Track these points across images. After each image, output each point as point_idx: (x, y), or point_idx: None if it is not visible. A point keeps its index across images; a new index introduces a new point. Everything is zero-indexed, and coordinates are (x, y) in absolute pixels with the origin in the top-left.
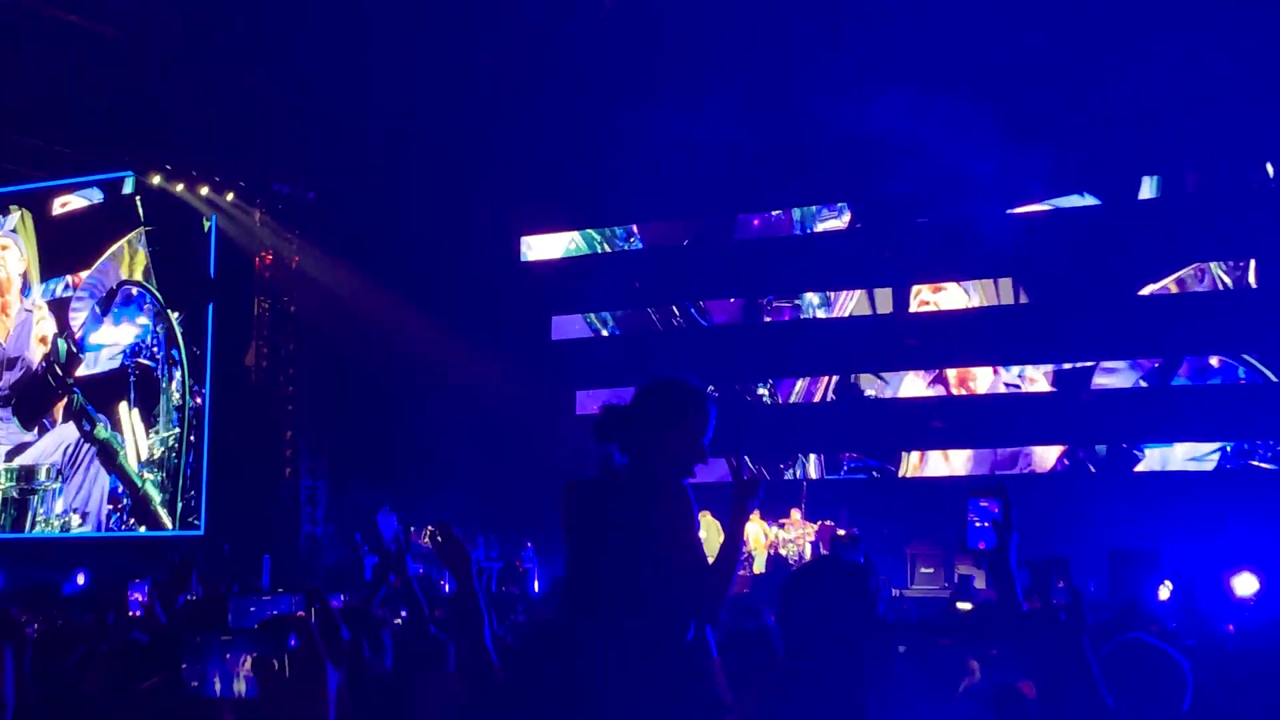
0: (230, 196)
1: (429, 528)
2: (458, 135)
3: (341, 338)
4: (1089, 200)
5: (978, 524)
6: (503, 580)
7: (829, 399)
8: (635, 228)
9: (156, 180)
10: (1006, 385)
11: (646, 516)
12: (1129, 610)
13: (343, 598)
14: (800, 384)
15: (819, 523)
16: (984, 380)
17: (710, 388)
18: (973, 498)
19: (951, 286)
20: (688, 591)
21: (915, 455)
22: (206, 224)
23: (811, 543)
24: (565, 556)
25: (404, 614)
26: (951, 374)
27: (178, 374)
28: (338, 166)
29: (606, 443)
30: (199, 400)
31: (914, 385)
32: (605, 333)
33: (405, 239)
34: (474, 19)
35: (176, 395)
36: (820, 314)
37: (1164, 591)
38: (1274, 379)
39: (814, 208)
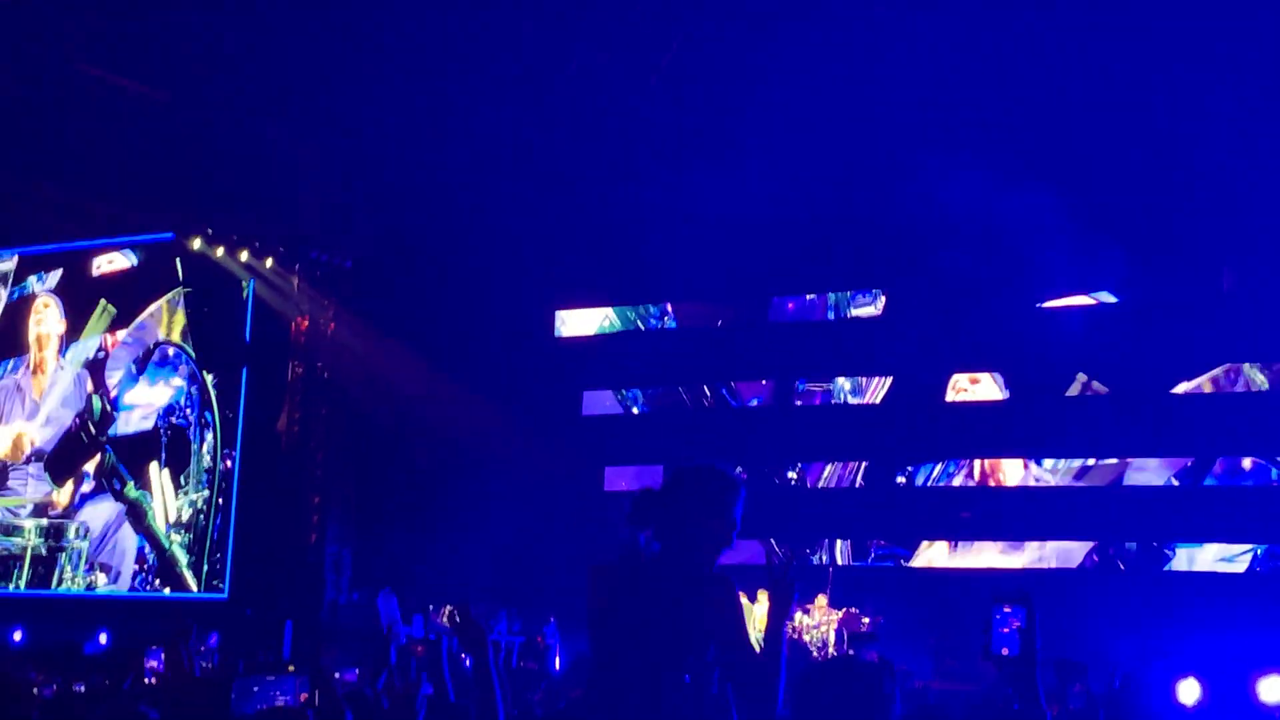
0: (269, 262)
1: (447, 607)
2: (496, 207)
3: (373, 405)
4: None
5: (1001, 630)
6: (523, 655)
7: (858, 484)
8: (669, 306)
9: (197, 244)
10: (1037, 479)
11: (693, 609)
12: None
13: (356, 672)
14: (830, 469)
15: (844, 610)
16: (1014, 473)
17: (739, 469)
18: (996, 604)
19: (985, 378)
20: (749, 690)
21: (944, 545)
22: (245, 288)
23: (835, 630)
24: (592, 642)
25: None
26: (980, 465)
27: (209, 436)
28: (375, 236)
29: (642, 528)
30: (229, 463)
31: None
32: (635, 410)
33: (439, 309)
34: (516, 94)
35: (207, 458)
36: (852, 399)
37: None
38: None
39: (849, 293)
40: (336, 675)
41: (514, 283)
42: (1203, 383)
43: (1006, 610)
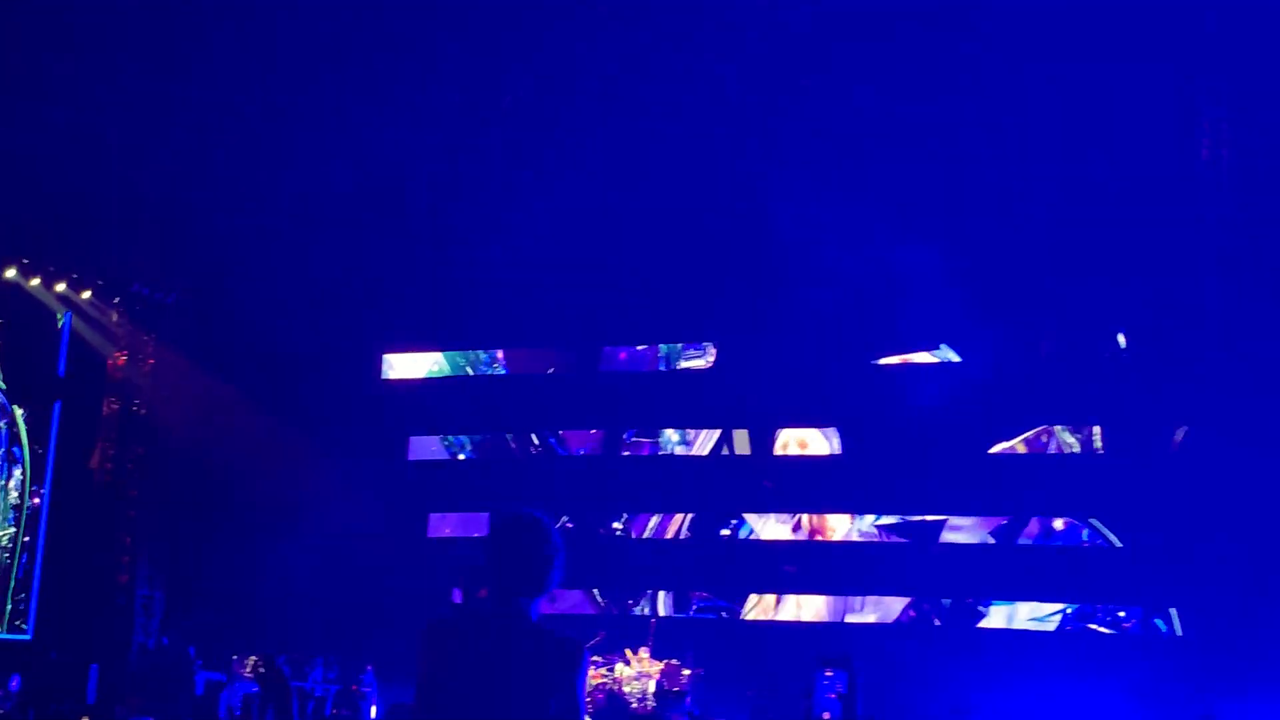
0: (87, 294)
1: (252, 658)
2: (325, 248)
3: (192, 445)
4: (950, 355)
5: (824, 695)
6: (338, 704)
7: (683, 536)
8: (500, 353)
9: (11, 273)
10: (861, 534)
11: (540, 666)
12: None
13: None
14: (654, 520)
15: (665, 662)
16: (840, 527)
17: (565, 519)
18: (819, 669)
19: (814, 433)
20: None
21: (770, 598)
22: (60, 320)
23: (657, 682)
24: (423, 698)
25: None
26: (808, 520)
27: (18, 472)
28: (200, 272)
29: (474, 584)
30: (38, 500)
31: (774, 529)
32: (462, 456)
33: (264, 348)
34: (349, 135)
35: (14, 494)
36: (679, 450)
37: None
38: (1117, 543)
39: (680, 345)
40: None
41: (341, 324)
42: (1016, 444)
43: (829, 675)
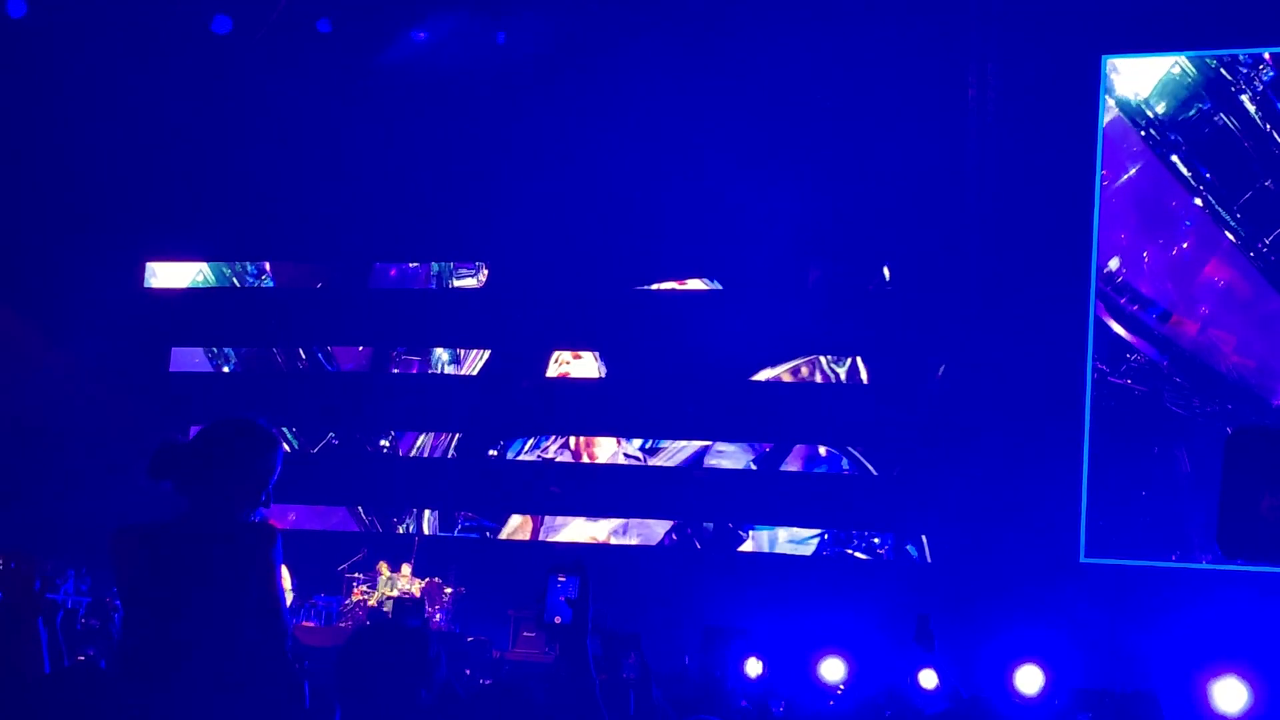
0: None
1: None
2: (84, 144)
3: None
4: (715, 285)
5: (556, 599)
6: (89, 614)
7: (450, 456)
8: (268, 265)
9: None
10: (627, 456)
11: (229, 561)
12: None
13: None
14: (422, 438)
15: (427, 579)
16: (606, 449)
17: (330, 435)
18: (551, 574)
19: (587, 356)
20: (268, 633)
21: (529, 518)
22: None
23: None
24: (125, 606)
25: None
26: (577, 441)
27: None
28: None
29: (160, 480)
30: None
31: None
32: (227, 369)
33: (15, 251)
34: (117, 31)
35: None
36: (450, 370)
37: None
38: (874, 473)
39: (451, 263)
40: None
41: (100, 228)
42: (782, 372)
43: (561, 580)
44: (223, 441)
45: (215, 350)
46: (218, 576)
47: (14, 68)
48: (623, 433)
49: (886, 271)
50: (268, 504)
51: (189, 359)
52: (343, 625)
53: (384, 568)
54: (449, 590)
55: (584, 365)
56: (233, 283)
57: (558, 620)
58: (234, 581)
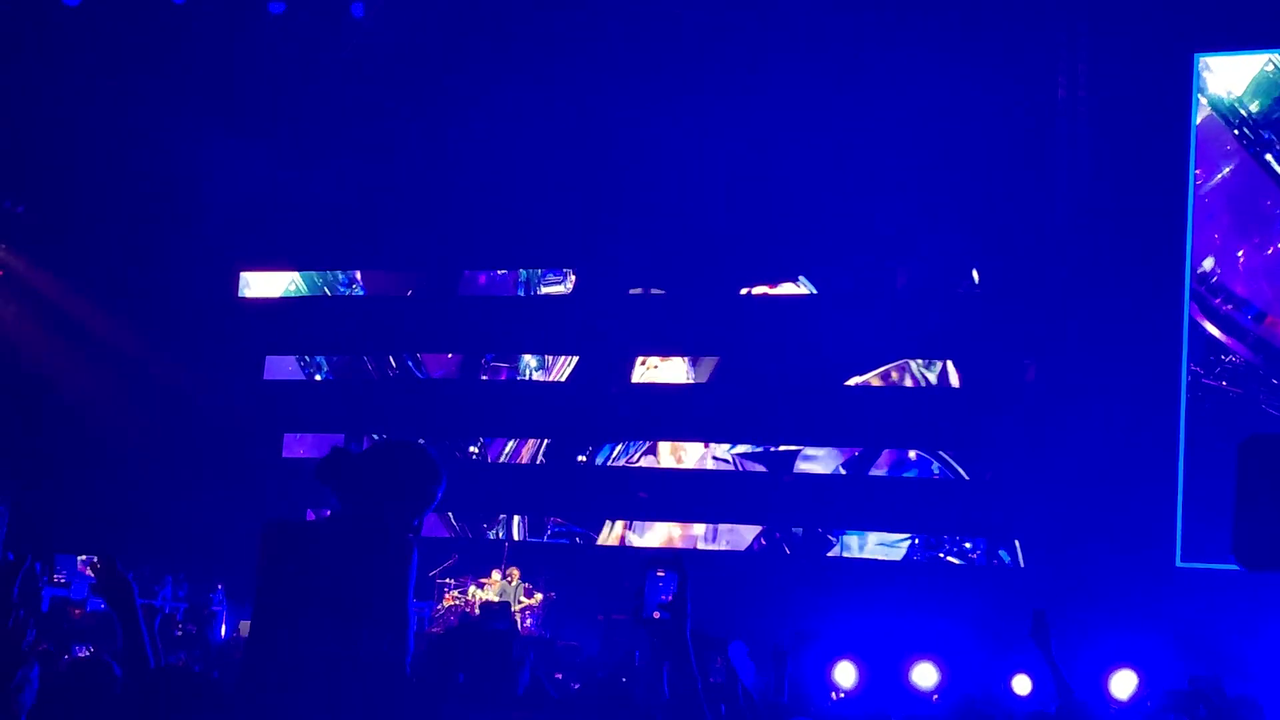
0: None
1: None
2: (182, 159)
3: (46, 360)
4: (807, 287)
5: (655, 596)
6: (188, 620)
7: (539, 461)
8: (359, 274)
9: None
10: (715, 460)
11: (368, 567)
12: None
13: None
14: (511, 444)
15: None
16: (694, 455)
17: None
18: (650, 569)
19: (675, 360)
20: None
21: (620, 524)
22: None
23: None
24: (259, 599)
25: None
26: (664, 446)
27: None
28: (52, 182)
29: (326, 484)
30: None
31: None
32: (319, 377)
33: (118, 261)
34: (215, 43)
35: None
36: (537, 376)
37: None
38: (965, 477)
39: (539, 270)
40: None
41: (197, 239)
42: (873, 376)
43: (660, 575)
44: (398, 464)
45: (307, 358)
46: (359, 584)
47: (119, 86)
48: (712, 437)
49: (976, 274)
50: (418, 532)
51: (282, 367)
52: (434, 631)
53: (495, 575)
54: (539, 595)
55: (672, 370)
56: (324, 291)
57: (656, 615)
58: (373, 591)
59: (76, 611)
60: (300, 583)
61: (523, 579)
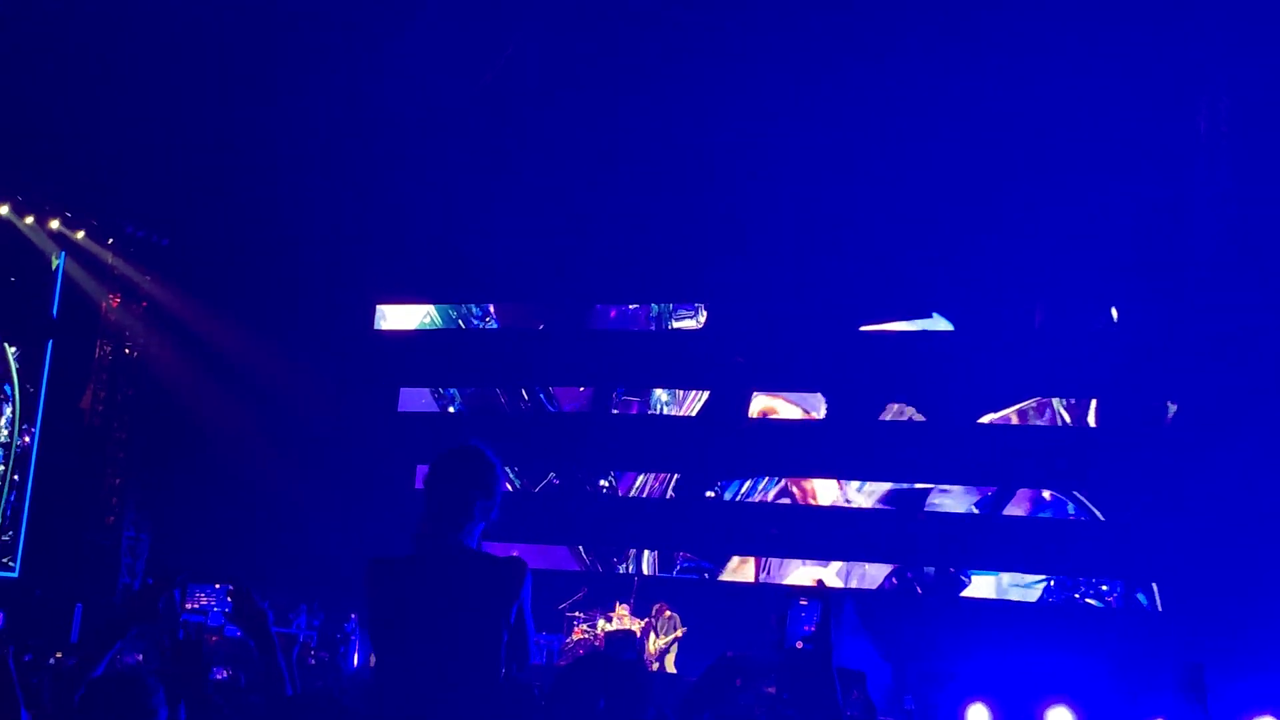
0: (81, 235)
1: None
2: (321, 194)
3: (186, 390)
4: (942, 324)
5: (798, 626)
6: (320, 648)
7: (669, 496)
8: (492, 307)
9: (4, 210)
10: (847, 500)
11: (488, 591)
12: None
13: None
14: (641, 479)
15: (645, 619)
16: (826, 493)
17: (551, 475)
18: (794, 599)
19: (808, 396)
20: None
21: (750, 560)
22: (55, 261)
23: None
24: (378, 635)
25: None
26: (796, 483)
27: (8, 410)
28: (196, 215)
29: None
30: (27, 439)
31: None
32: (452, 409)
33: (257, 294)
34: (347, 81)
35: (4, 432)
36: (669, 410)
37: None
38: (1101, 518)
39: (671, 305)
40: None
41: (335, 272)
42: (1010, 414)
43: (803, 604)
44: (455, 469)
45: (440, 391)
46: (470, 605)
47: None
48: (844, 474)
49: (1114, 312)
50: (491, 518)
51: (416, 399)
52: (562, 664)
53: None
54: (682, 629)
55: (785, 408)
56: (458, 324)
57: (799, 646)
58: (492, 612)
59: (213, 638)
60: (417, 613)
61: (646, 614)
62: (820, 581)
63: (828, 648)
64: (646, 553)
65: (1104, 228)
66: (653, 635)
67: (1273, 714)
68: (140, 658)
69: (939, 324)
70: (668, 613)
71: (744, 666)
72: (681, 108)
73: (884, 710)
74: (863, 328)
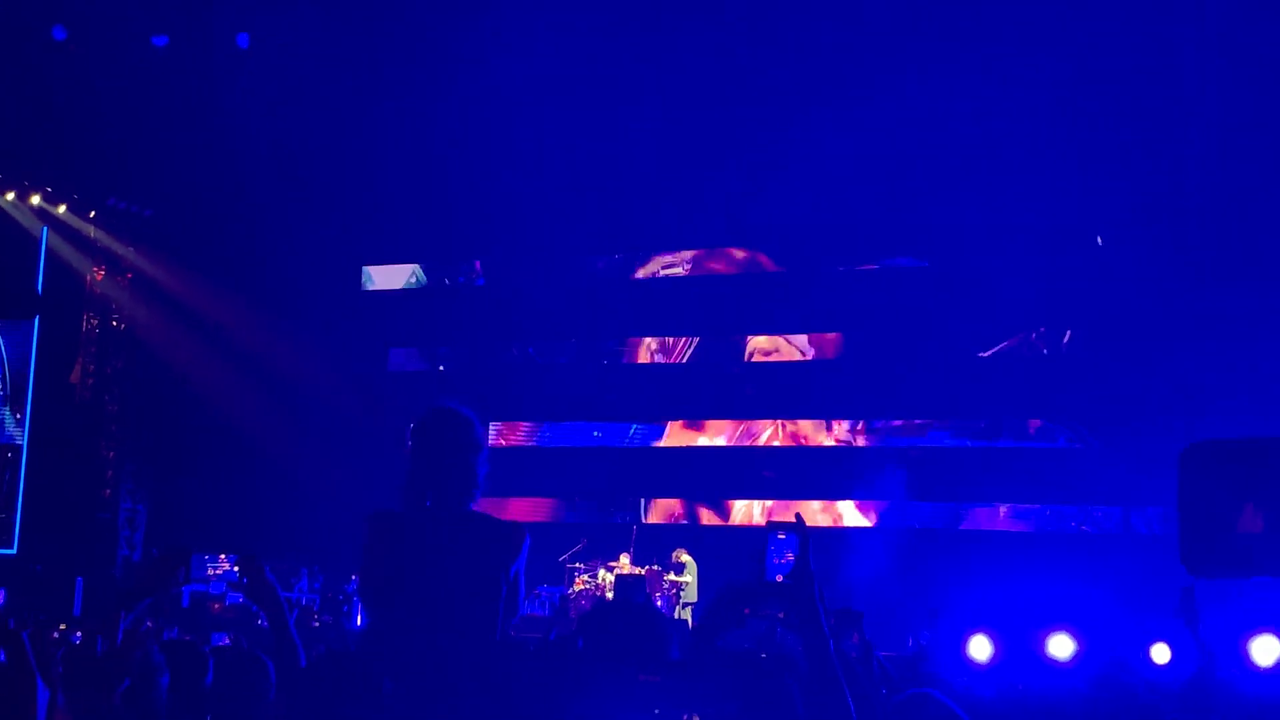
0: (63, 209)
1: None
2: (303, 158)
3: (171, 359)
4: (923, 261)
5: (775, 559)
6: (323, 611)
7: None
8: (478, 264)
9: None
10: (838, 440)
11: (487, 550)
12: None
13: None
14: (635, 428)
15: (646, 567)
16: (819, 433)
17: (545, 426)
18: (771, 532)
19: (781, 340)
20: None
21: (747, 504)
22: (39, 236)
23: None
24: (371, 589)
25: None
26: (788, 425)
27: None
28: (178, 184)
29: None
30: (19, 416)
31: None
32: (441, 368)
33: (243, 261)
34: (328, 41)
35: None
36: (658, 358)
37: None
38: (1095, 445)
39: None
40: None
41: (320, 236)
42: (1000, 347)
43: (781, 537)
44: (437, 430)
45: (430, 350)
46: (473, 565)
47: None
48: (836, 414)
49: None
50: (484, 468)
51: (406, 359)
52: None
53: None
54: (672, 576)
55: (782, 348)
56: (444, 282)
57: (779, 578)
58: (493, 573)
59: (216, 606)
60: (416, 569)
61: (645, 562)
62: (798, 515)
63: (809, 578)
64: (642, 501)
65: (1091, 151)
66: (685, 577)
67: (1273, 631)
68: (149, 624)
69: (922, 261)
70: (684, 555)
71: (751, 593)
72: (669, 58)
73: (887, 648)
74: (854, 267)
